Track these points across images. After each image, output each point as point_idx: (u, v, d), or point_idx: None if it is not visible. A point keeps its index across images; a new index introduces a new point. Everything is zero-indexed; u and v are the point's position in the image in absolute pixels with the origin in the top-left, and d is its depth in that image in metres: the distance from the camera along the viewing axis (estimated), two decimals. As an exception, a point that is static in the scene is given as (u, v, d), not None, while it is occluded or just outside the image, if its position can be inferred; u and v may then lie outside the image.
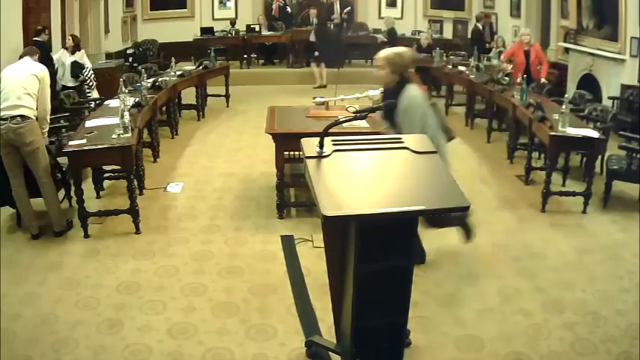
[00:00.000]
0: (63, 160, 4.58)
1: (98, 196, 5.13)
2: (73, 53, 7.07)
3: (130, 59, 9.65)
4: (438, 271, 3.90)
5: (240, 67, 11.20)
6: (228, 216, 4.79)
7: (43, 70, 4.36)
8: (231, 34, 11.50)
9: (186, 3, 12.36)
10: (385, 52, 3.53)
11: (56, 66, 6.90)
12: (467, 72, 8.16)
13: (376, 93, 5.07)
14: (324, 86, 9.94)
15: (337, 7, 11.79)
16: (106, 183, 5.36)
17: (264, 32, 11.51)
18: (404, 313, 2.48)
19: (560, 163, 5.43)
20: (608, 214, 4.87)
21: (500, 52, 8.55)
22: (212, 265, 3.97)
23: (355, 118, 2.52)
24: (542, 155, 6.03)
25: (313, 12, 11.56)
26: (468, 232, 3.93)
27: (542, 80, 7.22)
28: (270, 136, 4.54)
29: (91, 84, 7.19)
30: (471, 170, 6.00)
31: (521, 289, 3.68)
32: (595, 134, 4.88)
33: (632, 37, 7.14)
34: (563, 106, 4.90)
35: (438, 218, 3.68)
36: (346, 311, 2.48)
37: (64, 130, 5.31)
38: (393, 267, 2.37)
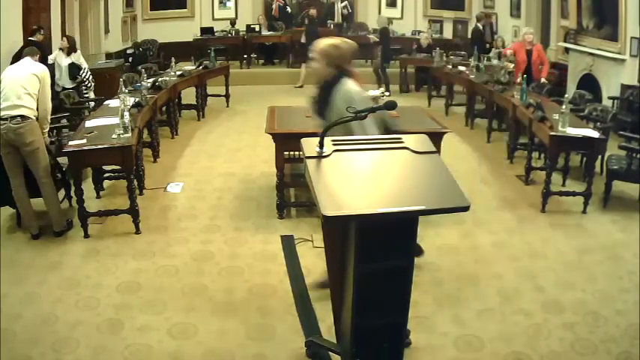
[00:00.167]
0: (63, 160, 4.58)
1: (98, 196, 5.13)
2: (68, 54, 7.04)
3: (130, 59, 9.65)
4: (438, 271, 3.90)
5: (240, 67, 11.20)
6: (228, 216, 4.79)
7: (43, 70, 4.36)
8: (231, 34, 11.51)
9: (186, 3, 12.37)
10: (321, 44, 3.21)
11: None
12: (467, 72, 8.16)
13: (376, 93, 5.08)
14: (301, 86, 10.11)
15: (338, 6, 11.82)
16: (106, 183, 5.36)
17: (264, 32, 11.52)
18: (404, 313, 2.47)
19: (560, 163, 5.43)
20: (608, 214, 4.87)
21: (499, 53, 8.55)
22: (212, 265, 3.97)
23: (355, 118, 2.51)
24: (542, 155, 6.03)
25: (313, 12, 11.56)
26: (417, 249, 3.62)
27: (542, 80, 7.22)
28: (270, 136, 4.54)
29: (88, 85, 7.19)
30: (471, 170, 6.01)
31: (521, 289, 3.67)
32: (595, 134, 4.88)
33: (632, 37, 7.14)
34: (563, 106, 4.90)
35: None
36: (346, 311, 2.48)
37: (64, 130, 5.31)
38: (393, 267, 2.36)
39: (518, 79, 6.77)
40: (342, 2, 12.08)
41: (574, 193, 4.95)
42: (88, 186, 4.94)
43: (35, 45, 5.76)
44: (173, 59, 8.22)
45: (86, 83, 7.15)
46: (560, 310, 3.42)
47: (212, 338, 3.14)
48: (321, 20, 11.92)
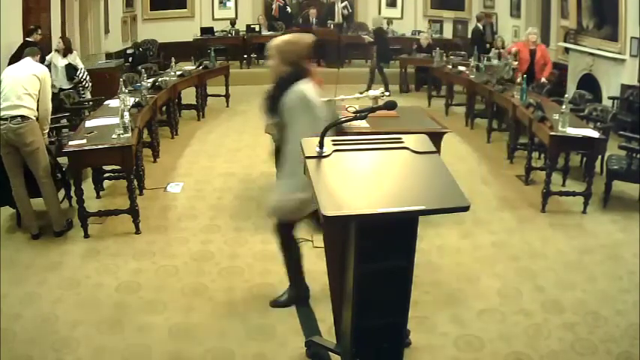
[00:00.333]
0: (63, 160, 4.58)
1: (98, 196, 5.13)
2: (64, 56, 7.05)
3: (130, 59, 9.64)
4: (438, 271, 3.90)
5: (240, 67, 11.19)
6: (228, 216, 4.79)
7: (43, 71, 4.36)
8: (231, 34, 11.51)
9: (186, 3, 12.37)
10: (276, 41, 3.12)
11: None
12: (467, 72, 8.16)
13: (376, 93, 5.08)
14: None
15: (338, 6, 11.82)
16: (106, 183, 5.36)
17: (264, 32, 11.49)
18: (404, 313, 2.47)
19: (560, 163, 5.43)
20: (608, 214, 4.87)
21: (499, 53, 8.54)
22: (212, 265, 3.97)
23: (355, 118, 2.51)
24: (542, 155, 6.03)
25: (313, 12, 11.58)
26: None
27: (543, 80, 7.22)
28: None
29: (86, 85, 7.20)
30: (471, 170, 6.01)
31: (521, 289, 3.67)
32: (595, 134, 4.88)
33: (632, 37, 7.15)
34: (563, 106, 4.90)
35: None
36: (346, 311, 2.48)
37: (64, 130, 5.31)
38: (393, 267, 2.36)
39: (519, 79, 6.77)
40: (342, 2, 12.09)
41: (574, 193, 4.95)
42: (88, 186, 4.94)
43: (32, 45, 5.77)
44: (173, 59, 8.22)
45: (83, 84, 7.16)
46: (560, 310, 3.42)
47: (212, 338, 3.14)
48: (321, 20, 11.93)
